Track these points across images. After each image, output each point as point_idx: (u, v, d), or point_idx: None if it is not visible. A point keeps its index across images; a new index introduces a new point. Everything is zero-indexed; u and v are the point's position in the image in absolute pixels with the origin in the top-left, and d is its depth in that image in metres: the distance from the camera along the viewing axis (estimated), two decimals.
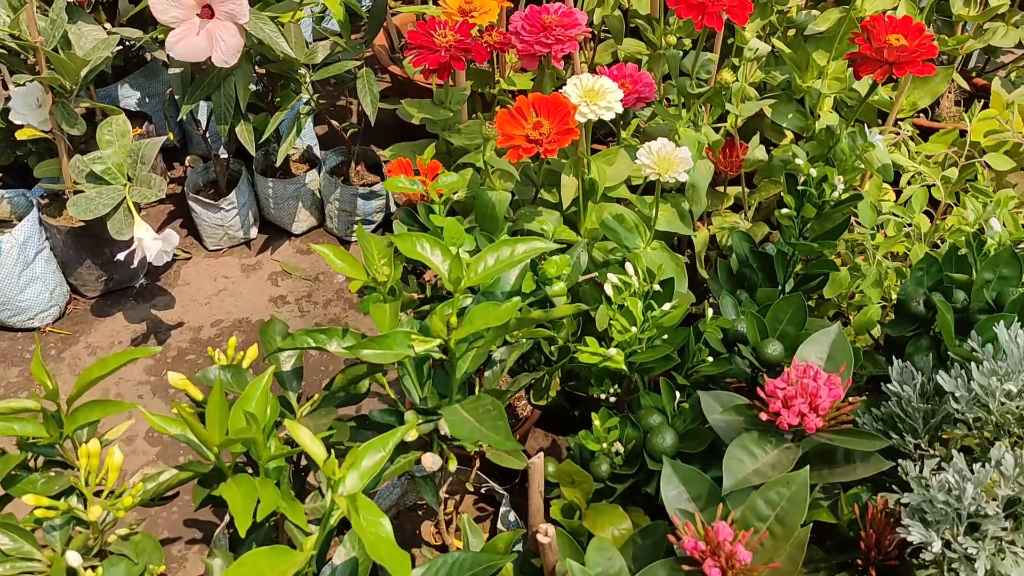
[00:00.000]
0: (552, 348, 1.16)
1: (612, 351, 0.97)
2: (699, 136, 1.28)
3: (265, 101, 1.80)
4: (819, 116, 1.49)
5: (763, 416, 0.88)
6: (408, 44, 1.35)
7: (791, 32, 1.59)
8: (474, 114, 1.58)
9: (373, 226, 1.90)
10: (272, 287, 1.81)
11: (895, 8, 1.47)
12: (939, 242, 1.38)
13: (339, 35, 1.90)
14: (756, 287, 1.20)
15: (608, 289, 1.02)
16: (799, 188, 1.07)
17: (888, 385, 0.92)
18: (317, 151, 2.02)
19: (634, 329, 0.98)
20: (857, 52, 1.24)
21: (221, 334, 1.72)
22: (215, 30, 1.52)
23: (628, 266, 1.06)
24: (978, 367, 0.86)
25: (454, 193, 1.29)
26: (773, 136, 1.65)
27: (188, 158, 2.06)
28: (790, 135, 1.64)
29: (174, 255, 1.86)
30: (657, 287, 1.03)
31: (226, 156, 1.86)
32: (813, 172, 1.05)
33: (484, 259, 0.90)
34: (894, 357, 0.95)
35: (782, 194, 1.10)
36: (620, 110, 1.20)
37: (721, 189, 1.52)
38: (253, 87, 1.76)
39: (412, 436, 0.97)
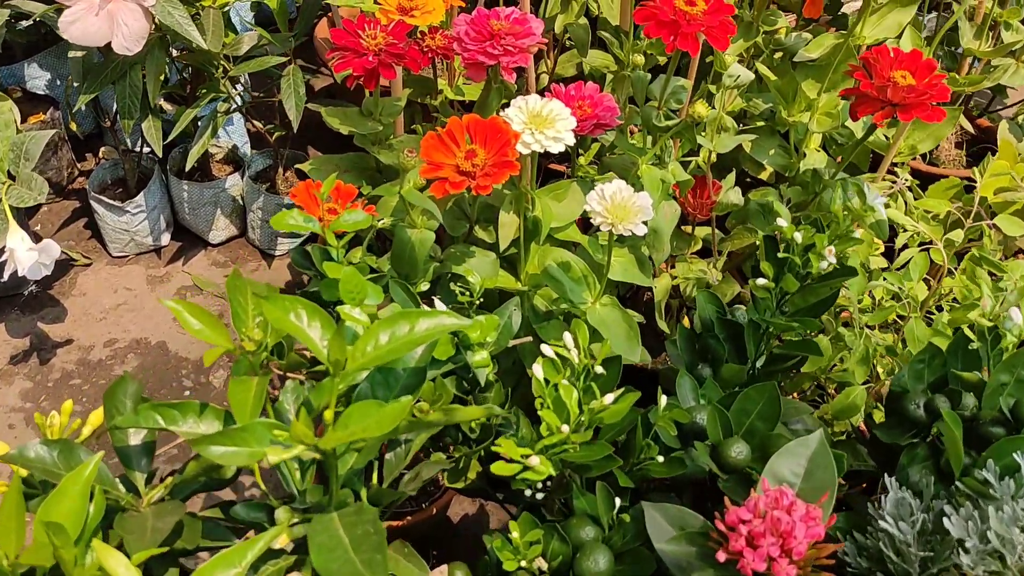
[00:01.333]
0: (473, 424, 0.96)
1: (535, 460, 0.77)
2: (664, 174, 1.09)
3: (185, 93, 1.59)
4: (805, 154, 1.31)
5: (721, 555, 0.69)
6: (331, 44, 1.14)
7: (777, 55, 1.40)
8: (413, 125, 1.37)
9: (299, 240, 1.69)
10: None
11: (898, 37, 1.29)
12: (934, 310, 1.20)
13: (270, 22, 1.69)
14: (721, 361, 1.01)
15: (538, 371, 0.82)
16: (779, 256, 0.88)
17: (881, 523, 0.73)
18: (248, 149, 1.81)
19: (566, 429, 0.78)
20: (855, 89, 1.06)
21: (114, 356, 1.50)
22: (117, 12, 1.31)
23: (567, 337, 0.87)
24: (996, 511, 0.68)
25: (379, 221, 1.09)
26: (750, 167, 1.47)
27: (103, 149, 1.84)
28: (770, 169, 1.45)
29: (71, 260, 1.64)
30: (600, 368, 0.84)
31: (137, 152, 1.65)
32: (798, 237, 0.86)
33: (375, 337, 0.70)
34: (887, 481, 0.76)
35: (759, 259, 0.91)
36: (571, 141, 1.00)
37: (688, 230, 1.33)
38: (174, 76, 1.55)
39: (282, 542, 0.77)
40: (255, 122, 1.53)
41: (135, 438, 0.85)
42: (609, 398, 0.81)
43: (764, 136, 1.34)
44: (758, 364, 1.01)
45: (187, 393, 1.46)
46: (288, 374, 0.95)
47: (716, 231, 1.29)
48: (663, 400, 0.87)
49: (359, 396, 0.78)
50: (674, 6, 0.96)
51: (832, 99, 1.26)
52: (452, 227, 1.12)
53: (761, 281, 0.90)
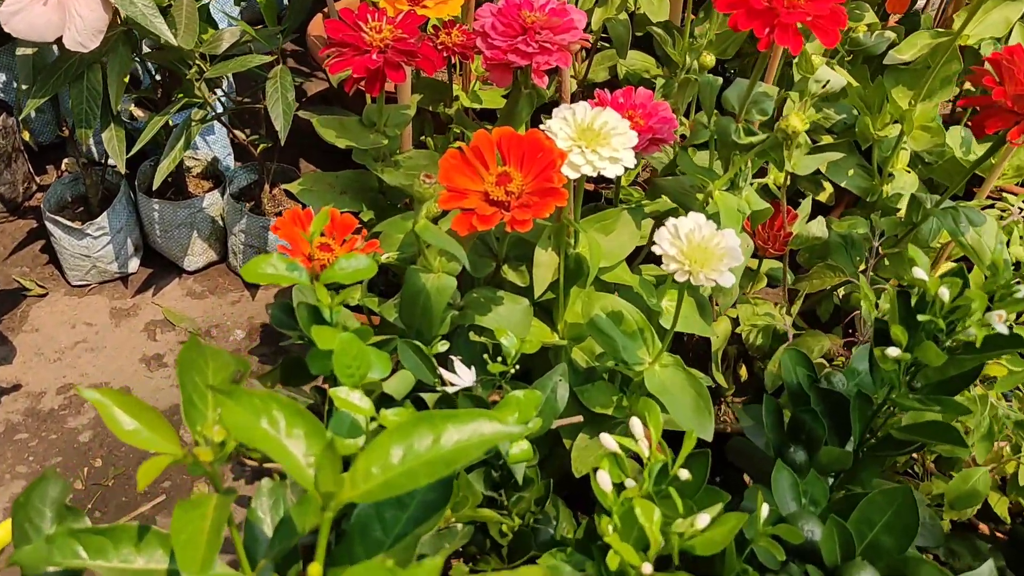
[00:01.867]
0: (505, 528, 0.74)
1: None
2: (740, 202, 0.88)
3: (157, 97, 1.37)
4: (891, 176, 1.09)
5: None
6: (328, 40, 0.92)
7: (854, 58, 1.19)
8: (423, 137, 1.16)
9: None
10: (148, 341, 1.37)
11: (1007, 35, 1.07)
12: None
13: (260, 21, 1.47)
14: (819, 442, 0.79)
15: (604, 481, 0.60)
16: (918, 318, 0.66)
17: None
18: (231, 162, 1.59)
19: (648, 569, 0.56)
20: (981, 97, 0.84)
21: (69, 406, 1.28)
22: (69, 1, 1.09)
23: (635, 425, 0.65)
24: None
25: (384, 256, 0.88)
26: (808, 188, 1.26)
27: (65, 161, 1.62)
28: (829, 190, 1.24)
29: (23, 289, 1.42)
30: (684, 472, 0.62)
31: (101, 166, 1.43)
32: (945, 295, 0.64)
33: (384, 454, 0.48)
34: None
35: (888, 322, 0.69)
36: (631, 163, 0.79)
37: (752, 263, 1.11)
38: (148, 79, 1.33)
39: None
40: (237, 131, 1.31)
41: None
42: (703, 520, 0.59)
43: (842, 153, 1.12)
44: (862, 449, 0.79)
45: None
46: (265, 464, 0.74)
47: (787, 268, 1.07)
48: (764, 509, 0.65)
49: (358, 522, 0.56)
50: None
51: (929, 109, 1.05)
52: (475, 266, 0.90)
53: (893, 352, 0.68)
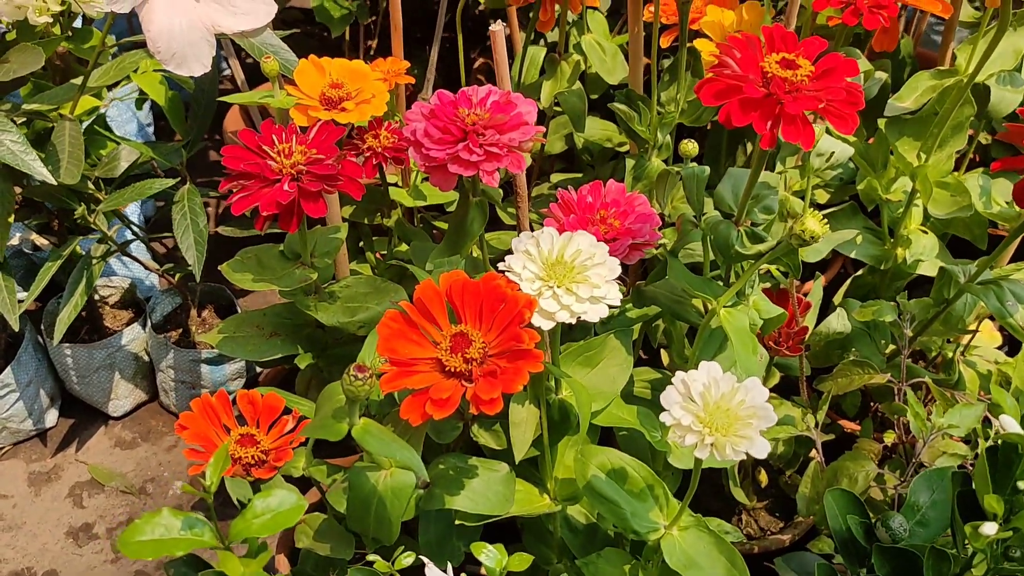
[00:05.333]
0: None
1: None
2: (751, 314, 0.72)
3: (54, 232, 1.19)
4: (907, 239, 0.94)
5: None
6: (226, 171, 0.76)
7: None
8: (361, 254, 0.99)
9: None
10: (74, 509, 1.18)
11: (1020, 66, 0.93)
12: None
13: (163, 136, 1.31)
14: None
15: None
16: (1018, 485, 0.51)
17: None
18: (155, 280, 1.41)
19: None
20: (1020, 159, 0.69)
21: None
22: None
23: None
24: None
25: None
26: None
27: None
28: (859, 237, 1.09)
29: None
30: None
31: None
32: None
33: None
34: None
35: (973, 481, 0.53)
36: (616, 299, 0.63)
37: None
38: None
39: None
40: (144, 261, 1.13)
41: None
42: None
43: (845, 216, 0.98)
44: None
45: None
46: None
47: (804, 362, 0.91)
48: None
49: None
50: (763, 72, 0.59)
51: (943, 162, 0.90)
52: (438, 431, 0.73)
53: (989, 529, 0.52)
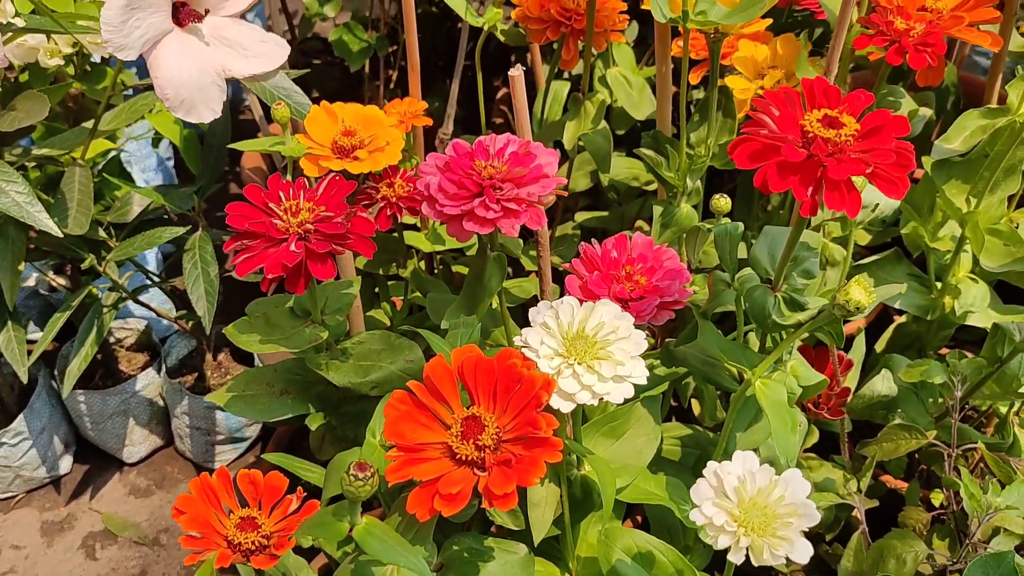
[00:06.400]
0: None
1: None
2: (789, 383, 0.67)
3: (67, 275, 1.17)
4: (955, 288, 0.88)
5: None
6: (230, 231, 0.72)
7: None
8: (374, 309, 0.95)
9: (245, 445, 1.25)
10: (87, 561, 1.15)
11: None
12: None
13: (183, 170, 1.29)
14: None
15: None
16: None
17: None
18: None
19: None
20: None
21: None
22: None
23: None
24: None
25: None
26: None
27: None
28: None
29: None
30: None
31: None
32: None
33: None
34: None
35: None
36: (643, 377, 0.58)
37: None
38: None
39: None
40: (156, 309, 1.10)
41: None
42: None
43: (889, 264, 0.92)
44: None
45: None
46: None
47: (846, 426, 0.85)
48: None
49: None
50: (803, 131, 0.54)
51: (994, 207, 0.84)
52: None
53: None
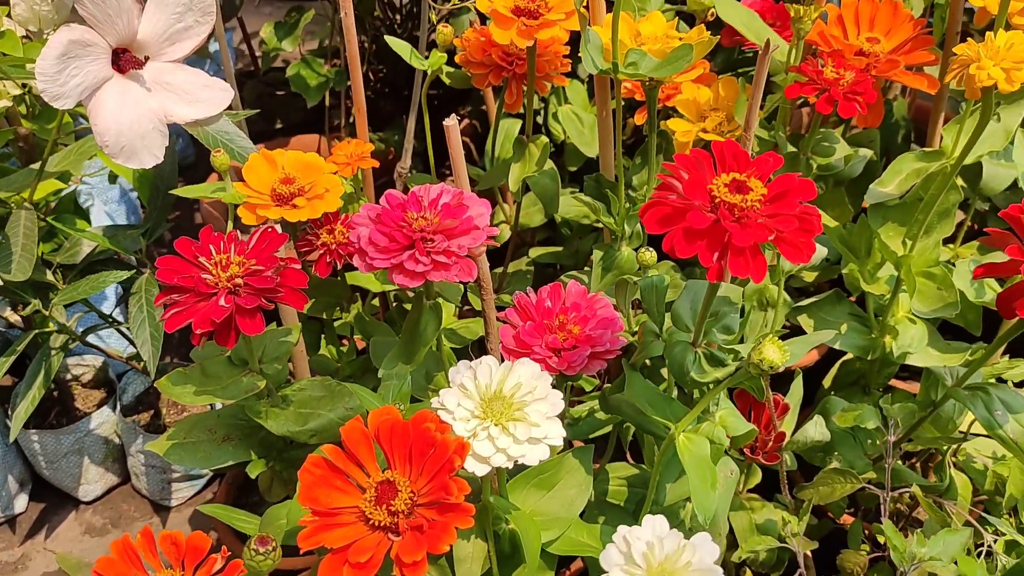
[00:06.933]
0: None
1: None
2: (714, 434, 0.67)
3: (18, 314, 1.16)
4: (894, 329, 0.89)
5: None
6: (159, 285, 0.72)
7: (824, 181, 0.99)
8: (320, 351, 0.95)
9: (203, 482, 1.25)
10: None
11: (1009, 145, 0.88)
12: None
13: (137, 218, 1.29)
14: None
15: None
16: None
17: None
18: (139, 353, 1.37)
19: None
20: (1003, 266, 0.64)
21: None
22: None
23: None
24: None
25: None
26: None
27: None
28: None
29: None
30: None
31: None
32: None
33: None
34: None
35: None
36: (559, 439, 0.58)
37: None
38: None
39: None
40: (106, 350, 1.10)
41: None
42: None
43: (829, 304, 0.92)
44: None
45: None
46: None
47: (786, 464, 0.86)
48: None
49: None
50: (711, 196, 0.54)
51: (929, 250, 0.85)
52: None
53: None
